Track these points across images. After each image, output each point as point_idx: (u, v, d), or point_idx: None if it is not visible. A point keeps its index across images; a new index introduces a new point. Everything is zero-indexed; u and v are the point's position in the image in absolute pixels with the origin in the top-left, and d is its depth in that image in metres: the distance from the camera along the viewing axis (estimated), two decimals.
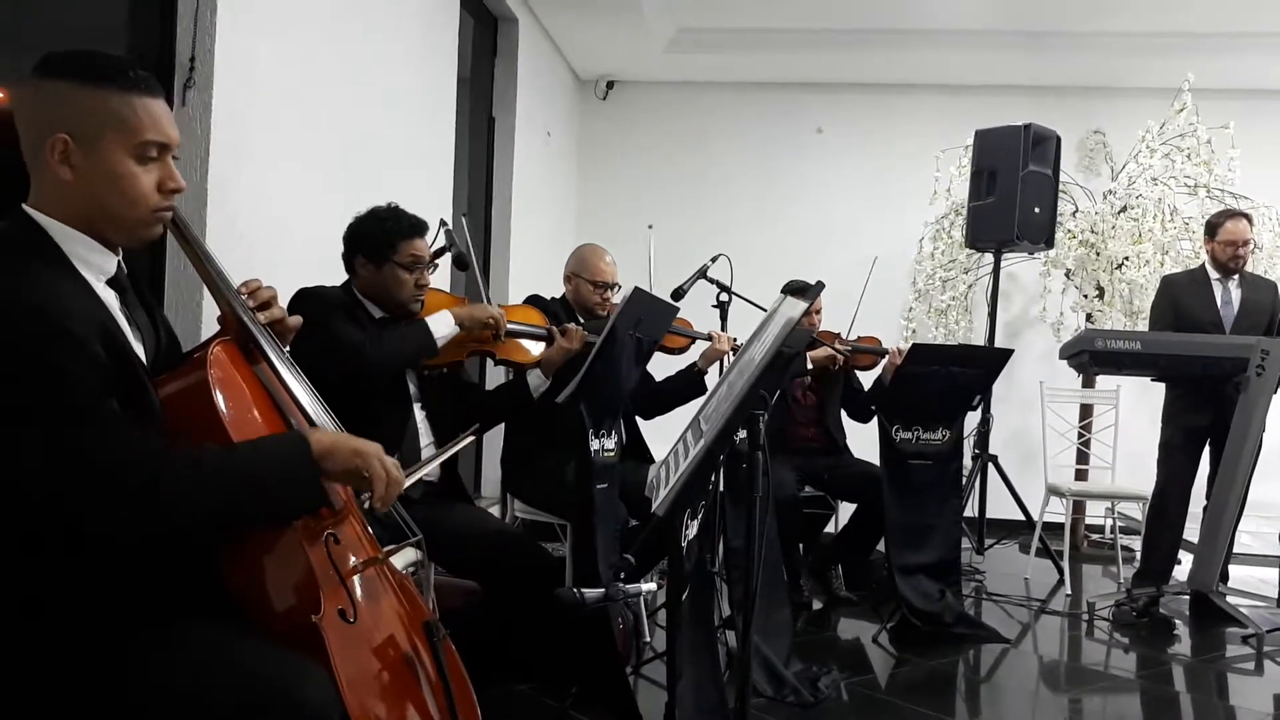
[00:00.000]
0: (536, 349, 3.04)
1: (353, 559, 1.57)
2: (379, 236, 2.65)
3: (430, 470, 2.68)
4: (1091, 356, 3.95)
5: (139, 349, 1.44)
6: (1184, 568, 4.39)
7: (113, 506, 1.26)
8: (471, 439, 2.19)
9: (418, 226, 2.70)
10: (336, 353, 2.44)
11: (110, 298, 1.42)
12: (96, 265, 1.41)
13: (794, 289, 4.09)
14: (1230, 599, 4.03)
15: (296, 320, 1.69)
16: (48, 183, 1.37)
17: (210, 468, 1.33)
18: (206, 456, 1.34)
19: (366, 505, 1.54)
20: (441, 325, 2.72)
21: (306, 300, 2.52)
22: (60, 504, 1.26)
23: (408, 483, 1.66)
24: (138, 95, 1.38)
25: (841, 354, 4.29)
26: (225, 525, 1.39)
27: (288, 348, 1.67)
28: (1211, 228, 4.47)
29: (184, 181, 1.48)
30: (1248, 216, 4.47)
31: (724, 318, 3.82)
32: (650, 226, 3.82)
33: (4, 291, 1.26)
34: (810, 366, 4.24)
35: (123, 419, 1.30)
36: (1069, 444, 5.18)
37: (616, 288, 3.54)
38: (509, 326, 2.97)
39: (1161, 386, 4.51)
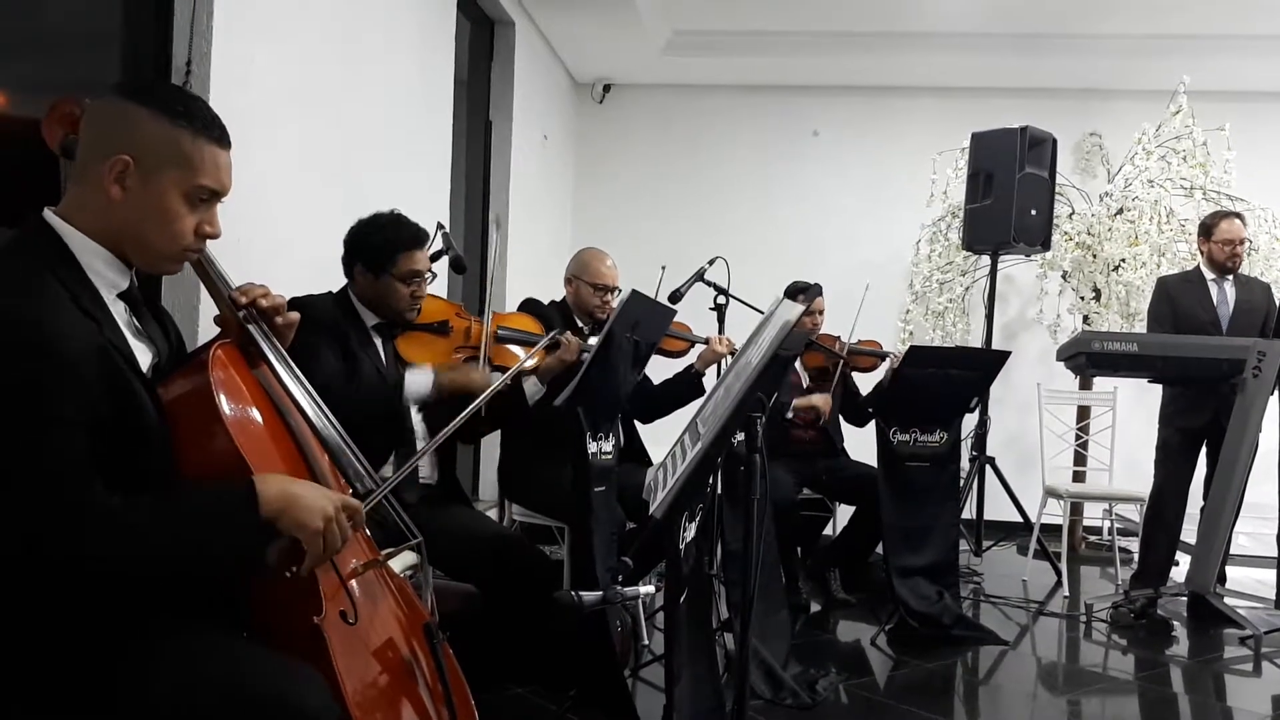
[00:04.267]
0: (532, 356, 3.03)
1: (353, 561, 1.58)
2: (378, 248, 2.63)
3: (426, 470, 2.70)
4: (1088, 358, 3.96)
5: (146, 359, 1.45)
6: (1181, 569, 4.40)
7: (24, 549, 1.23)
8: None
9: (418, 238, 2.69)
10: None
11: (120, 310, 1.43)
12: (110, 279, 1.42)
13: (795, 290, 4.10)
14: (1228, 600, 4.04)
15: (295, 316, 1.68)
16: (90, 195, 1.39)
17: (143, 526, 1.29)
18: (143, 512, 1.30)
19: (289, 575, 1.42)
20: (418, 389, 2.65)
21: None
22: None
23: (366, 506, 1.59)
24: (209, 142, 1.43)
25: (838, 357, 4.31)
26: (158, 578, 1.34)
27: (288, 344, 1.66)
28: (1206, 228, 4.48)
29: (221, 229, 1.50)
30: (1240, 216, 4.50)
31: (721, 320, 3.82)
32: (664, 268, 3.82)
33: (3, 307, 1.25)
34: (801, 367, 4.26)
35: (72, 459, 1.25)
36: (1066, 446, 5.18)
37: (617, 291, 3.54)
38: (504, 332, 2.96)
39: (1159, 388, 4.52)
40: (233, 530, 1.35)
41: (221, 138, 1.45)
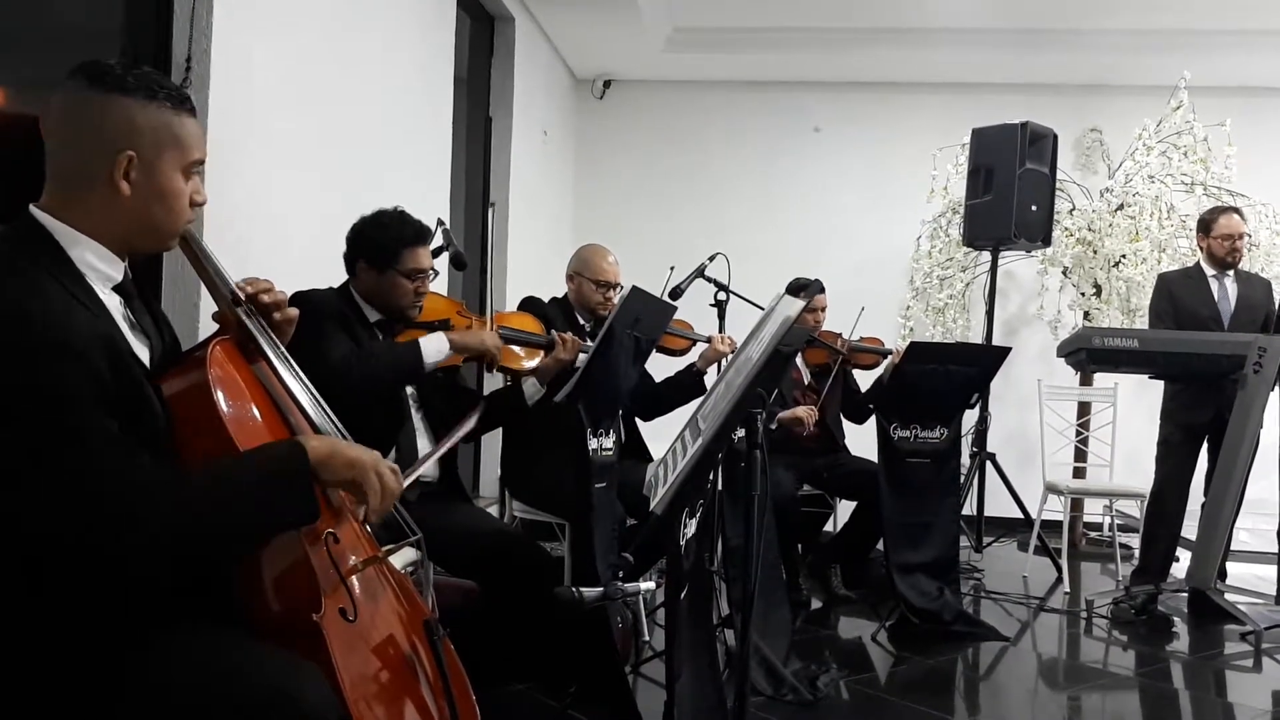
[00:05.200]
0: (532, 356, 3.03)
1: (352, 558, 1.57)
2: (383, 244, 2.63)
3: (429, 467, 2.70)
4: (1089, 354, 3.95)
5: (143, 353, 1.44)
6: (1182, 565, 4.40)
7: (91, 531, 1.23)
8: (471, 424, 2.17)
9: (422, 235, 2.68)
10: (321, 367, 2.41)
11: (115, 303, 1.42)
12: (103, 272, 1.41)
13: (796, 287, 4.10)
14: (1228, 596, 4.03)
15: (294, 312, 1.67)
16: (93, 195, 1.38)
17: (196, 488, 1.32)
18: (193, 477, 1.34)
19: (362, 517, 1.53)
20: (434, 351, 2.67)
21: (300, 306, 2.51)
22: (42, 525, 1.23)
23: (407, 482, 1.66)
24: (187, 115, 1.45)
25: (839, 354, 4.31)
26: (221, 543, 1.36)
27: (287, 341, 1.66)
28: (1205, 224, 4.47)
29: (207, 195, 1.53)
30: (1239, 210, 4.50)
31: (722, 316, 3.82)
32: (672, 268, 3.83)
33: (6, 301, 1.25)
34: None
35: (112, 439, 1.27)
36: (1067, 442, 5.18)
37: (619, 287, 3.53)
38: (504, 332, 2.96)
39: (1159, 384, 4.52)
40: (285, 480, 1.36)
41: (192, 106, 1.47)
